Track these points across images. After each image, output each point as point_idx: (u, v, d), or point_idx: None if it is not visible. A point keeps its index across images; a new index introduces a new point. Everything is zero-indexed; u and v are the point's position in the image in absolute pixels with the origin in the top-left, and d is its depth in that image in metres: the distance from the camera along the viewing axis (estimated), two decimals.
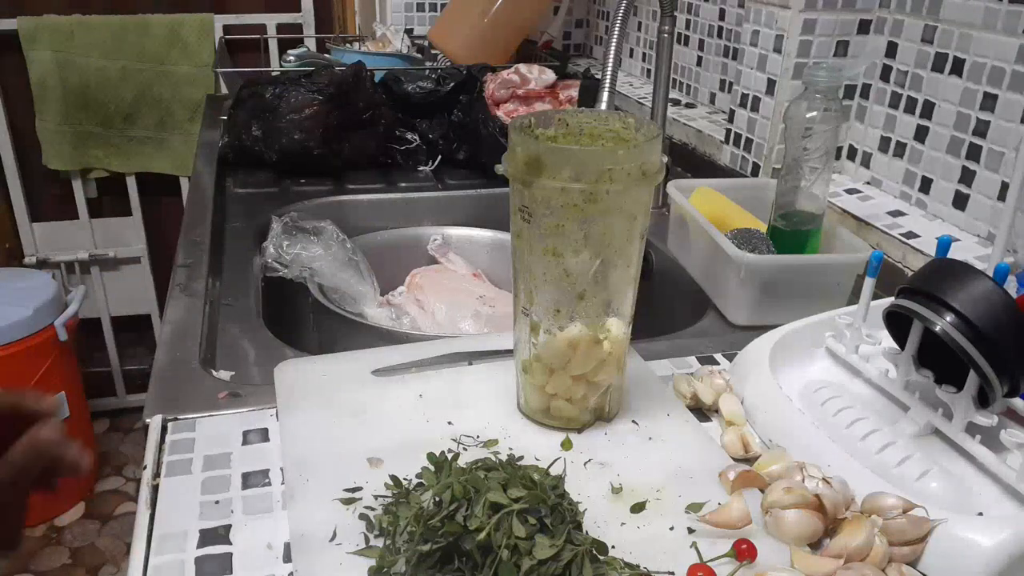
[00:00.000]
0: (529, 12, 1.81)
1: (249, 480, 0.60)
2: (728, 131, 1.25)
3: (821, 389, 0.69)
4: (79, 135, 2.39)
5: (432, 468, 0.57)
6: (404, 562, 0.49)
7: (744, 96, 1.20)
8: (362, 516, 0.55)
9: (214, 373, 0.75)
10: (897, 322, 0.64)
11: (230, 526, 0.56)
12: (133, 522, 0.57)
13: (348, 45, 2.02)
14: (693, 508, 0.56)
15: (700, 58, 1.53)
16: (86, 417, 2.36)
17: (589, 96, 1.42)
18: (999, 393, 0.58)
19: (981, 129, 0.93)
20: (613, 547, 0.52)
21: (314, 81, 1.31)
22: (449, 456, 0.59)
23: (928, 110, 1.00)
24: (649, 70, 1.73)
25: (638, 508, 0.57)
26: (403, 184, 1.35)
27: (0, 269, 2.33)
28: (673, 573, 0.51)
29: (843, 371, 0.72)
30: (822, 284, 0.87)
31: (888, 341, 0.67)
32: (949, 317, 0.58)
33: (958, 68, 0.95)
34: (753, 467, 0.60)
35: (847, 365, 0.72)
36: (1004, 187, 0.90)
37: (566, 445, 0.64)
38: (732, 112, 1.24)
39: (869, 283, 0.68)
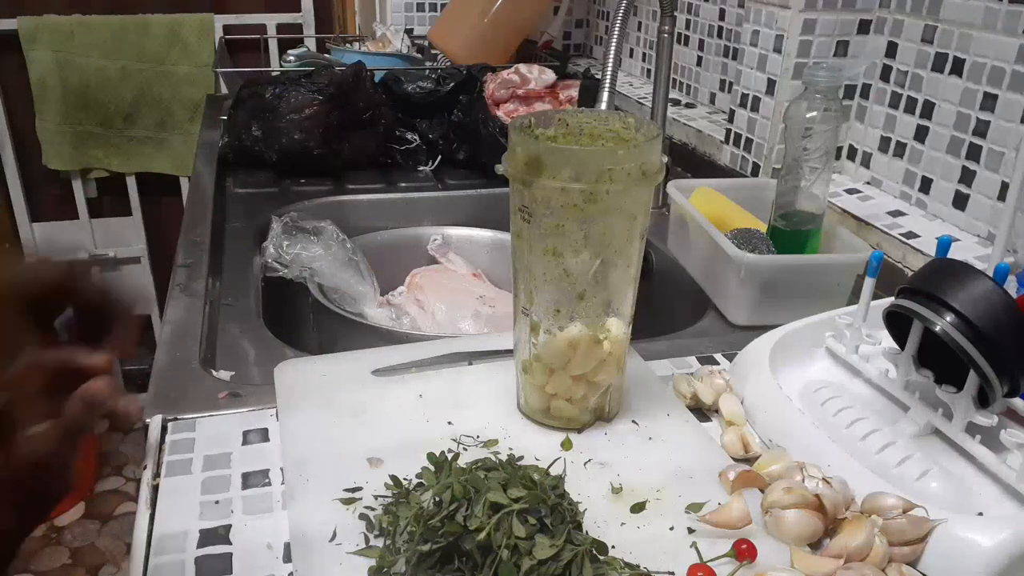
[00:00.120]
0: (529, 12, 1.81)
1: (249, 480, 0.60)
2: (728, 131, 1.25)
3: (821, 389, 0.69)
4: (79, 135, 2.40)
5: (432, 468, 0.57)
6: (404, 562, 0.49)
7: (744, 96, 1.20)
8: (362, 516, 0.55)
9: (214, 373, 0.75)
10: (897, 322, 0.64)
11: (230, 526, 0.56)
12: (133, 522, 0.57)
13: (348, 45, 2.02)
14: (693, 508, 0.56)
15: (700, 58, 1.53)
16: None
17: (589, 96, 1.42)
18: (999, 393, 0.58)
19: (981, 129, 0.93)
20: (613, 547, 0.52)
21: (314, 81, 1.31)
22: (449, 456, 0.59)
23: (928, 110, 1.00)
24: (649, 70, 1.73)
25: (638, 508, 0.57)
26: (403, 184, 1.35)
27: None
28: (673, 573, 0.51)
29: (843, 371, 0.72)
30: (822, 284, 0.87)
31: (888, 341, 0.67)
32: (949, 317, 0.58)
33: (958, 68, 0.95)
34: (753, 467, 0.60)
35: (847, 365, 0.72)
36: (1004, 187, 0.90)
37: (566, 445, 0.64)
38: (732, 112, 1.24)
39: (869, 283, 0.69)
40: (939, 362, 0.62)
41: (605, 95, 0.94)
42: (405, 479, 0.57)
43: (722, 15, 1.44)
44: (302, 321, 1.05)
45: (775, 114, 1.12)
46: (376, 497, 0.56)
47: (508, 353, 0.71)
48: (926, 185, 1.01)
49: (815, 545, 0.55)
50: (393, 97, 1.43)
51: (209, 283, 0.93)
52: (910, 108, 1.03)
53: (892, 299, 0.64)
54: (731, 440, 0.65)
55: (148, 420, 0.67)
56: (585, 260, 0.59)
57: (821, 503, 0.54)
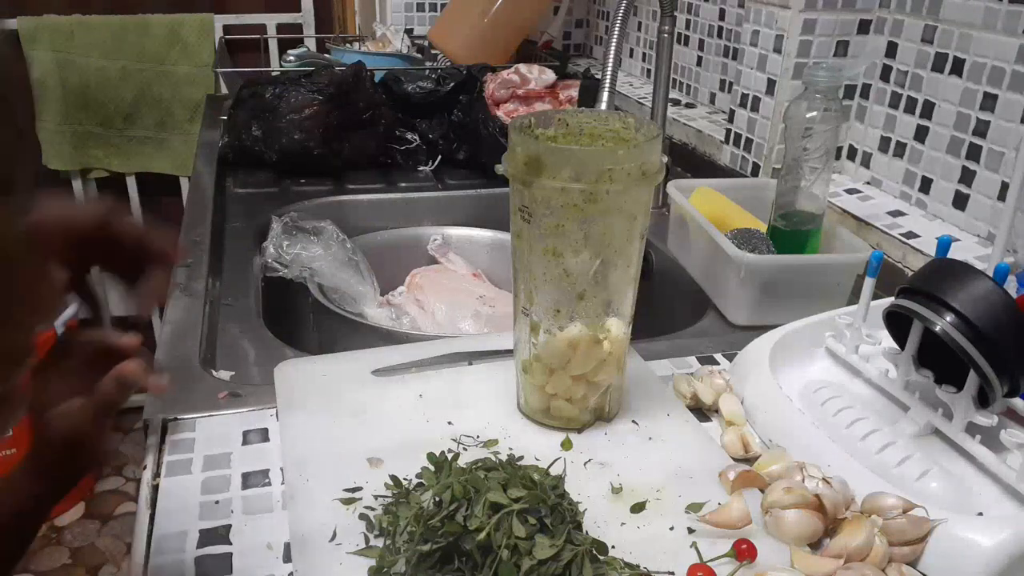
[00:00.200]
0: (529, 12, 1.81)
1: (249, 480, 0.60)
2: (728, 131, 1.25)
3: (821, 389, 0.69)
4: (79, 135, 2.39)
5: (432, 468, 0.57)
6: (404, 562, 0.49)
7: (744, 96, 1.20)
8: (362, 516, 0.55)
9: (214, 373, 0.75)
10: (897, 322, 0.64)
11: (230, 526, 0.56)
12: (133, 522, 0.57)
13: (348, 45, 2.02)
14: (693, 508, 0.56)
15: (700, 58, 1.53)
16: None
17: (589, 96, 1.42)
18: (999, 393, 0.58)
19: (981, 129, 0.93)
20: (613, 547, 0.52)
21: (314, 81, 1.31)
22: (449, 456, 0.59)
23: (928, 110, 1.00)
24: (649, 70, 1.73)
25: (638, 508, 0.57)
26: (403, 184, 1.35)
27: None
28: (673, 573, 0.51)
29: (843, 371, 0.72)
30: (822, 284, 0.87)
31: (888, 341, 0.67)
32: (949, 317, 0.58)
33: (958, 68, 0.95)
34: (753, 467, 0.60)
35: (847, 365, 0.72)
36: (1004, 187, 0.90)
37: (566, 445, 0.64)
38: (732, 112, 1.24)
39: (869, 283, 0.68)
40: (939, 362, 0.62)
41: (605, 95, 0.94)
42: (405, 479, 0.57)
43: (722, 15, 1.44)
44: (302, 321, 1.05)
45: (775, 114, 1.12)
46: (376, 497, 0.57)
47: (508, 353, 0.71)
48: (926, 185, 1.01)
49: (815, 545, 0.55)
50: (393, 97, 1.43)
51: (209, 283, 0.93)
52: (910, 108, 1.03)
53: (892, 299, 0.64)
54: (731, 440, 0.65)
55: (148, 420, 0.67)
56: (585, 260, 0.59)
57: (821, 503, 0.54)
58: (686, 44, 1.56)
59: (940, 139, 0.99)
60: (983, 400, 0.59)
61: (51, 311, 0.36)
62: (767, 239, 0.93)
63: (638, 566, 0.51)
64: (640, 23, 1.75)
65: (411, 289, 1.12)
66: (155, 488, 0.59)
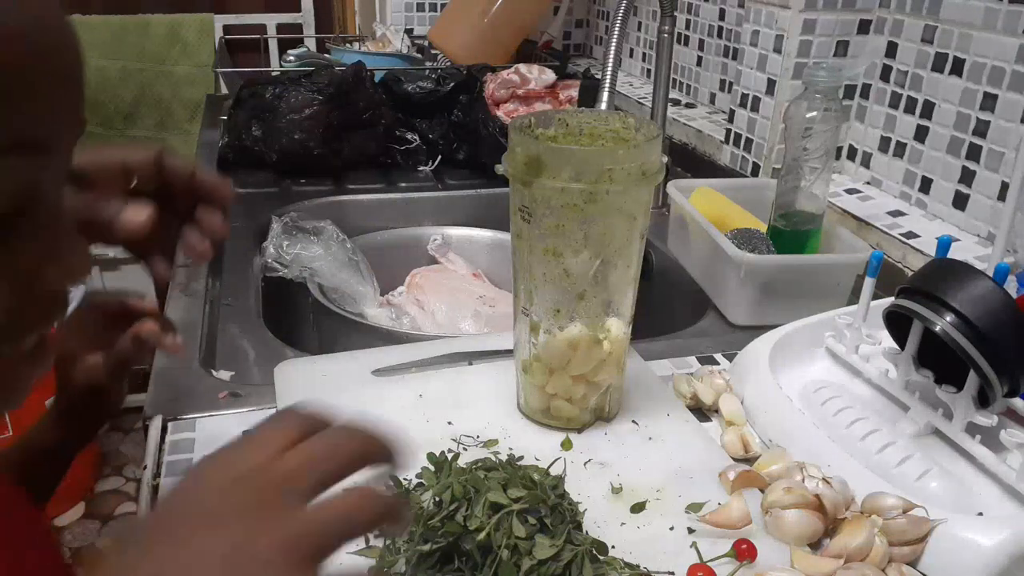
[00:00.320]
0: (529, 12, 1.81)
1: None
2: (728, 131, 1.25)
3: (821, 389, 0.69)
4: None
5: (432, 468, 0.57)
6: (404, 562, 0.49)
7: (744, 96, 1.20)
8: None
9: (214, 373, 0.75)
10: (897, 322, 0.64)
11: None
12: None
13: (348, 45, 2.02)
14: (693, 508, 0.56)
15: (700, 58, 1.53)
16: None
17: (589, 96, 1.42)
18: (999, 393, 0.58)
19: (981, 129, 0.93)
20: (613, 547, 0.52)
21: (314, 81, 1.31)
22: (449, 456, 0.59)
23: (928, 110, 1.00)
24: (649, 70, 1.73)
25: (638, 508, 0.57)
26: (403, 184, 1.35)
27: None
28: (673, 573, 0.51)
29: (843, 371, 0.72)
30: (822, 284, 0.87)
31: (888, 341, 0.67)
32: (949, 317, 0.58)
33: (958, 68, 0.95)
34: (753, 467, 0.60)
35: (847, 365, 0.72)
36: (1004, 187, 0.90)
37: (566, 445, 0.64)
38: (732, 112, 1.24)
39: (869, 283, 0.68)
40: (939, 362, 0.62)
41: (605, 95, 0.94)
42: (405, 479, 0.57)
43: (722, 15, 1.44)
44: (302, 321, 1.05)
45: (775, 114, 1.12)
46: None
47: (508, 353, 0.71)
48: (926, 185, 1.01)
49: (815, 545, 0.55)
50: (393, 97, 1.43)
51: (209, 283, 0.93)
52: (910, 108, 1.03)
53: (892, 299, 0.64)
54: (731, 440, 0.65)
55: (148, 420, 0.67)
56: (585, 260, 0.59)
57: (821, 503, 0.54)
58: (686, 44, 1.56)
59: (940, 139, 0.99)
60: (983, 400, 0.59)
61: (82, 271, 0.38)
62: (767, 239, 0.93)
63: (638, 566, 0.51)
64: (640, 23, 1.75)
65: (411, 289, 1.12)
66: (155, 488, 0.60)
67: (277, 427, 0.34)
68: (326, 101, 1.30)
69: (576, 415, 0.65)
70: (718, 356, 0.80)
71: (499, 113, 1.42)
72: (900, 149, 1.05)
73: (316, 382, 0.70)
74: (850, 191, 1.09)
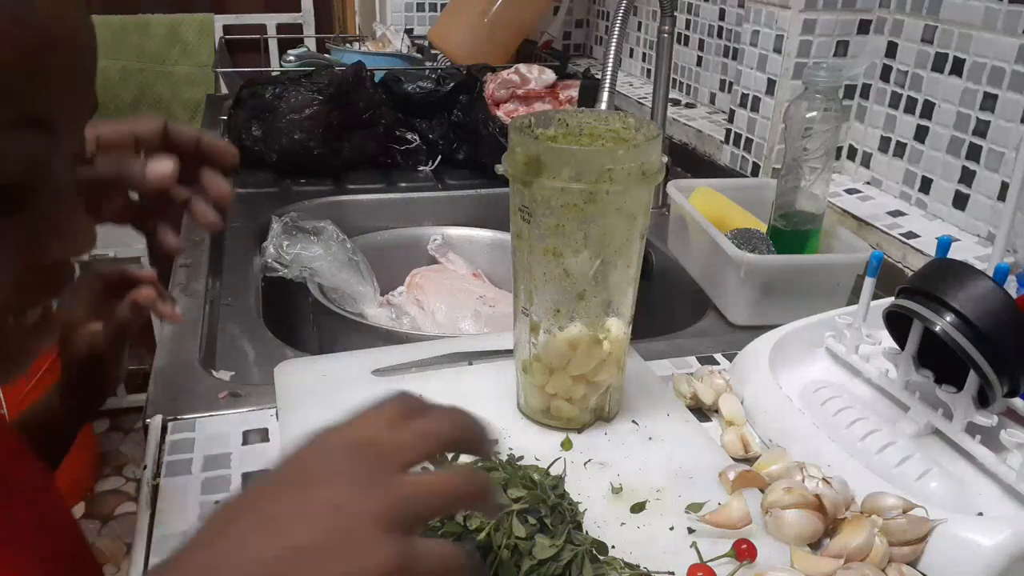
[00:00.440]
0: (529, 12, 1.81)
1: (249, 480, 0.60)
2: (728, 131, 1.25)
3: (821, 389, 0.69)
4: None
5: (432, 468, 0.57)
6: None
7: (744, 96, 1.20)
8: None
9: (214, 373, 0.75)
10: (897, 322, 0.64)
11: None
12: (133, 522, 0.57)
13: (348, 45, 2.02)
14: (693, 508, 0.56)
15: (700, 58, 1.53)
16: None
17: (589, 96, 1.42)
18: (999, 393, 0.58)
19: (981, 129, 0.93)
20: (613, 547, 0.52)
21: (314, 81, 1.31)
22: (449, 456, 0.59)
23: (928, 110, 1.00)
24: (649, 70, 1.73)
25: (638, 508, 0.57)
26: (403, 184, 1.35)
27: None
28: (673, 573, 0.51)
29: (843, 371, 0.72)
30: (822, 284, 0.87)
31: (888, 341, 0.67)
32: (949, 317, 0.58)
33: (958, 68, 0.95)
34: (753, 467, 0.60)
35: (847, 365, 0.72)
36: (1004, 187, 0.90)
37: (566, 445, 0.64)
38: (732, 112, 1.24)
39: (869, 283, 0.68)
40: (939, 362, 0.62)
41: (605, 95, 0.94)
42: None
43: (722, 15, 1.44)
44: (302, 321, 1.05)
45: (775, 114, 1.12)
46: None
47: (508, 353, 0.71)
48: (926, 185, 1.01)
49: (815, 545, 0.55)
50: (393, 97, 1.43)
51: (209, 283, 0.93)
52: (910, 108, 1.03)
53: (892, 299, 0.64)
54: (731, 440, 0.65)
55: (148, 420, 0.67)
56: (585, 260, 0.59)
57: (821, 503, 0.54)
58: (686, 44, 1.56)
59: (940, 139, 0.99)
60: (983, 400, 0.59)
61: (85, 245, 0.39)
62: (767, 239, 0.93)
63: (638, 566, 0.51)
64: (640, 23, 1.75)
65: (411, 289, 1.12)
66: (155, 488, 0.59)
67: (386, 405, 0.38)
68: (326, 101, 1.30)
69: (576, 415, 0.65)
70: (718, 356, 0.80)
71: (499, 113, 1.42)
72: (900, 149, 1.05)
73: (316, 382, 0.70)
74: (850, 191, 1.09)
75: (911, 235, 0.95)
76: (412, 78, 1.45)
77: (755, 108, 1.17)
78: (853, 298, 0.79)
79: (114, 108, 2.38)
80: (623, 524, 0.56)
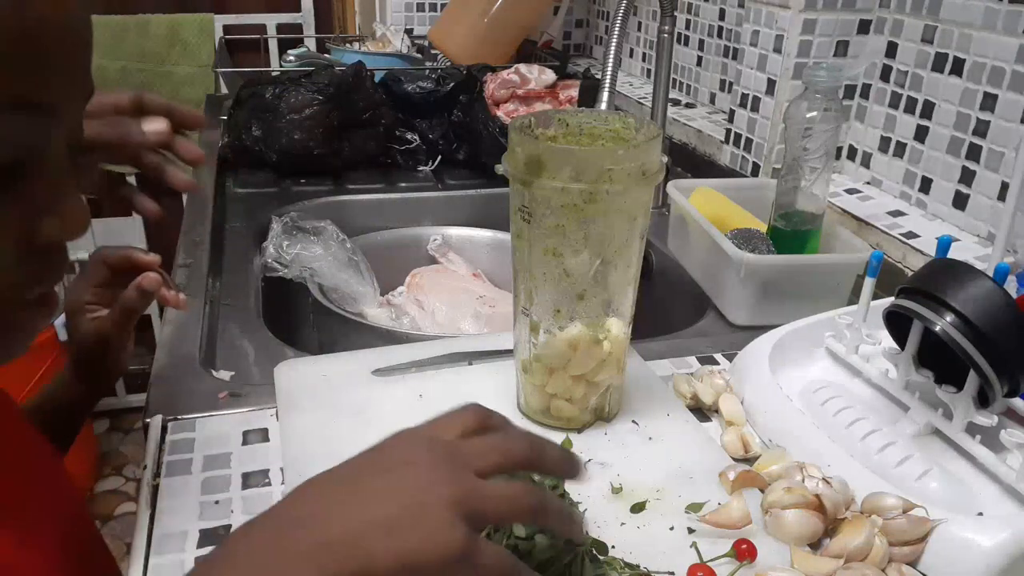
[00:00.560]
0: (529, 12, 1.81)
1: (249, 480, 0.60)
2: (728, 131, 1.25)
3: (821, 389, 0.69)
4: None
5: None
6: None
7: (744, 96, 1.20)
8: None
9: (214, 373, 0.75)
10: (897, 322, 0.64)
11: (230, 526, 0.56)
12: (133, 522, 0.57)
13: (348, 45, 2.02)
14: (693, 508, 0.56)
15: (700, 58, 1.53)
16: None
17: (589, 96, 1.42)
18: (999, 393, 0.58)
19: (981, 129, 0.93)
20: (613, 547, 0.52)
21: (314, 81, 1.31)
22: (536, 478, 0.59)
23: (928, 110, 1.00)
24: (649, 70, 1.73)
25: (638, 508, 0.57)
26: (403, 184, 1.35)
27: None
28: (673, 573, 0.51)
29: (843, 371, 0.72)
30: (822, 284, 0.87)
31: (888, 341, 0.67)
32: (949, 317, 0.58)
33: (958, 68, 0.95)
34: (753, 467, 0.60)
35: (847, 365, 0.72)
36: (1004, 187, 0.90)
37: (566, 445, 0.64)
38: (732, 112, 1.24)
39: (869, 283, 0.68)
40: (939, 362, 0.62)
41: (605, 95, 0.94)
42: None
43: (722, 15, 1.44)
44: (302, 321, 1.05)
45: (775, 114, 1.12)
46: None
47: (508, 353, 0.71)
48: (926, 185, 1.01)
49: (815, 545, 0.55)
50: (393, 97, 1.43)
51: (209, 283, 0.93)
52: (910, 108, 1.03)
53: (892, 299, 0.64)
54: (731, 440, 0.65)
55: (148, 420, 0.67)
56: (585, 260, 0.59)
57: (821, 503, 0.54)
58: (686, 44, 1.56)
59: (940, 139, 0.99)
60: (983, 400, 0.59)
61: (80, 226, 0.40)
62: (767, 239, 0.93)
63: (638, 566, 0.51)
64: (640, 23, 1.75)
65: (411, 289, 1.12)
66: (155, 488, 0.59)
67: (462, 414, 0.41)
68: (326, 101, 1.30)
69: (576, 415, 0.65)
70: (718, 356, 0.80)
71: (499, 113, 1.42)
72: (900, 149, 1.05)
73: (316, 382, 0.70)
74: (850, 191, 1.09)
75: (911, 235, 0.95)
76: (412, 78, 1.45)
77: (755, 108, 1.17)
78: (853, 298, 0.79)
79: None
80: (623, 524, 0.56)
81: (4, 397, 0.53)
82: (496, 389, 0.70)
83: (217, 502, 0.58)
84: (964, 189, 0.95)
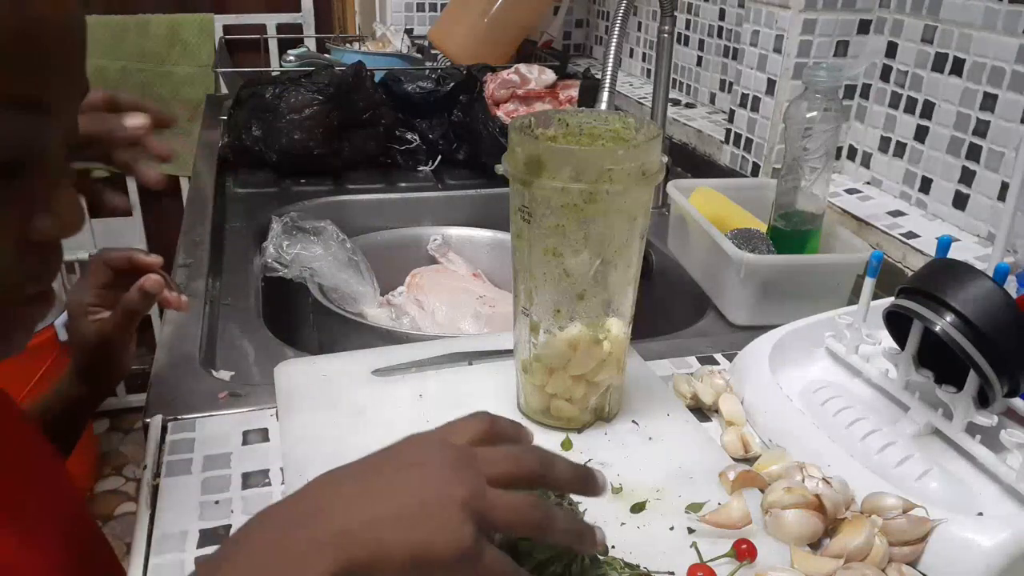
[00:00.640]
0: (529, 12, 1.81)
1: (249, 480, 0.60)
2: (728, 131, 1.25)
3: (821, 389, 0.69)
4: None
5: None
6: None
7: (744, 96, 1.20)
8: None
9: (214, 373, 0.75)
10: (897, 322, 0.64)
11: (230, 526, 0.56)
12: (133, 522, 0.57)
13: (348, 45, 2.02)
14: (693, 508, 0.56)
15: (700, 58, 1.53)
16: None
17: (589, 96, 1.42)
18: (999, 393, 0.58)
19: (981, 129, 0.93)
20: (613, 547, 0.52)
21: (314, 81, 1.31)
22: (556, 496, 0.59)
23: (928, 110, 1.00)
24: (649, 70, 1.73)
25: (638, 508, 0.57)
26: (403, 184, 1.35)
27: None
28: (673, 573, 0.51)
29: (843, 371, 0.72)
30: (822, 284, 0.87)
31: (888, 341, 0.67)
32: (949, 317, 0.58)
33: (958, 68, 0.95)
34: (753, 467, 0.60)
35: (847, 365, 0.72)
36: (1004, 187, 0.90)
37: (566, 445, 0.64)
38: (732, 112, 1.24)
39: (869, 283, 0.68)
40: (939, 362, 0.62)
41: (605, 95, 0.94)
42: None
43: (722, 15, 1.44)
44: (302, 321, 1.05)
45: (775, 114, 1.12)
46: None
47: (508, 353, 0.71)
48: (926, 185, 1.01)
49: (815, 545, 0.55)
50: (393, 97, 1.43)
51: (209, 283, 0.93)
52: (910, 108, 1.03)
53: (892, 299, 0.64)
54: (731, 440, 0.65)
55: (148, 420, 0.67)
56: (585, 260, 0.59)
57: (821, 503, 0.54)
58: (686, 44, 1.56)
59: (940, 139, 0.99)
60: (983, 400, 0.59)
61: (76, 224, 0.41)
62: (767, 239, 0.93)
63: (638, 566, 0.51)
64: (640, 23, 1.75)
65: (411, 289, 1.12)
66: (155, 488, 0.59)
67: (471, 421, 0.42)
68: (326, 101, 1.30)
69: (576, 415, 0.65)
70: (718, 356, 0.80)
71: (499, 113, 1.42)
72: (900, 149, 1.05)
73: (316, 382, 0.70)
74: (850, 191, 1.09)
75: (911, 235, 0.95)
76: (412, 78, 1.45)
77: (755, 108, 1.17)
78: (853, 298, 0.79)
79: None
80: (623, 524, 0.56)
81: (4, 397, 0.53)
82: (496, 389, 0.70)
83: (217, 502, 0.58)
84: (964, 189, 0.95)
